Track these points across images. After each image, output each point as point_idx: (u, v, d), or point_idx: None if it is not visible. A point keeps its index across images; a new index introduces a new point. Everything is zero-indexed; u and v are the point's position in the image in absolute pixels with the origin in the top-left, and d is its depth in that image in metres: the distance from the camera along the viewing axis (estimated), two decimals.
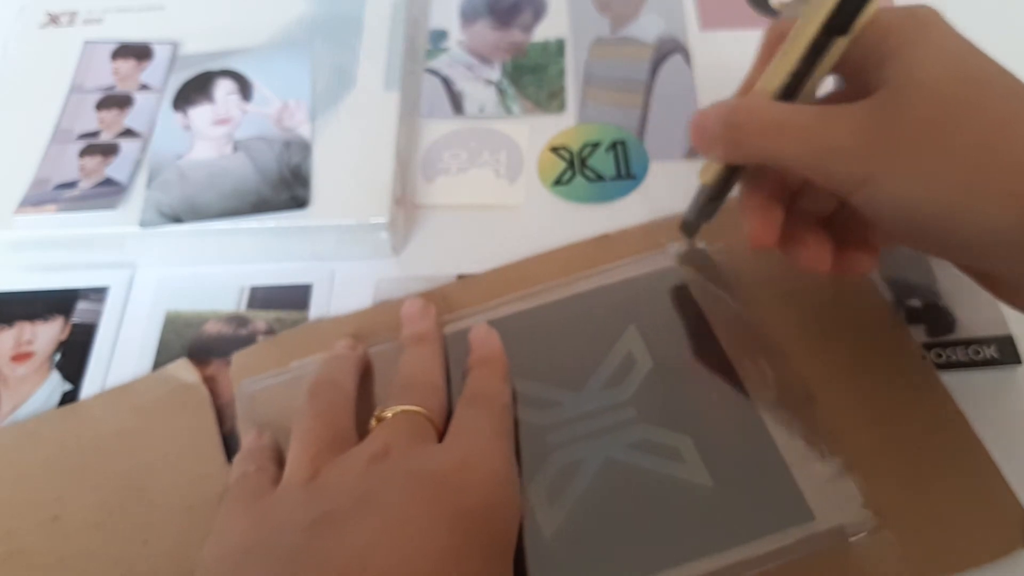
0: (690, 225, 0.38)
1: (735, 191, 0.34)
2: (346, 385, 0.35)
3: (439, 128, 0.47)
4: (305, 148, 0.43)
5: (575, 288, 0.39)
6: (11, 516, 0.35)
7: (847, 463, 0.33)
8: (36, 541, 0.34)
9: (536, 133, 0.47)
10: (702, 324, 0.37)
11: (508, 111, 0.47)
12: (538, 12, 0.52)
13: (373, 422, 0.33)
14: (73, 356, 0.40)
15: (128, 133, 0.45)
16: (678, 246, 0.40)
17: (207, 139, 0.44)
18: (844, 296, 0.38)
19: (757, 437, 0.33)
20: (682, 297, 0.38)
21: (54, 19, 0.51)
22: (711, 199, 0.35)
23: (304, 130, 0.44)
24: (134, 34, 0.49)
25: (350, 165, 0.43)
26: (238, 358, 0.39)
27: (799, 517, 0.31)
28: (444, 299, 0.40)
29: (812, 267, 0.33)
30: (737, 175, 0.33)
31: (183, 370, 0.39)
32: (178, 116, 0.46)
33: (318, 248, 0.42)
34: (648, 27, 0.50)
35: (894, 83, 0.28)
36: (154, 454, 0.36)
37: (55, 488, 0.36)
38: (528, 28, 0.51)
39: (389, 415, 0.32)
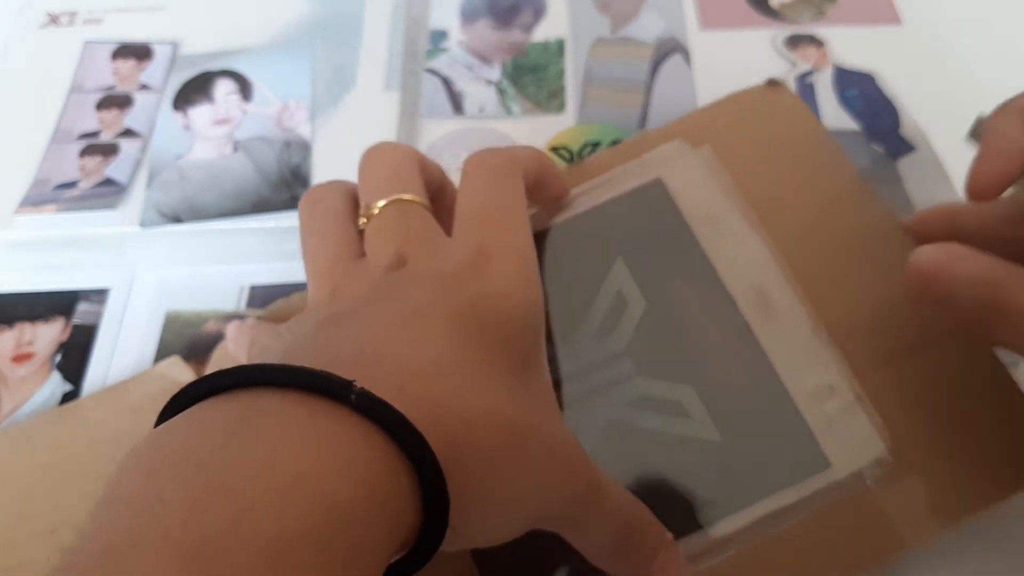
0: None
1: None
2: (331, 198, 0.30)
3: (439, 128, 0.47)
4: (305, 148, 0.43)
5: (552, 219, 0.34)
6: (9, 527, 0.35)
7: (862, 400, 0.30)
8: (36, 554, 0.34)
9: (536, 133, 0.47)
10: (694, 249, 0.33)
11: (508, 111, 0.47)
12: (538, 12, 0.52)
13: (363, 221, 0.29)
14: (74, 357, 0.40)
15: (128, 133, 0.45)
16: (672, 147, 0.35)
17: (207, 139, 0.44)
18: (847, 207, 0.34)
19: (763, 378, 0.30)
20: (669, 217, 0.34)
21: (54, 19, 0.51)
22: None
23: (304, 130, 0.44)
24: (134, 34, 0.49)
25: (350, 165, 0.43)
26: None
27: (815, 466, 0.29)
28: None
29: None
30: None
31: (176, 368, 0.39)
32: (178, 116, 0.46)
33: None
34: (648, 27, 0.50)
35: None
36: None
37: (51, 498, 0.35)
38: (528, 28, 0.51)
39: (377, 209, 0.28)
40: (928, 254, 0.26)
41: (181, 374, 0.39)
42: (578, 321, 0.32)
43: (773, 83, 0.36)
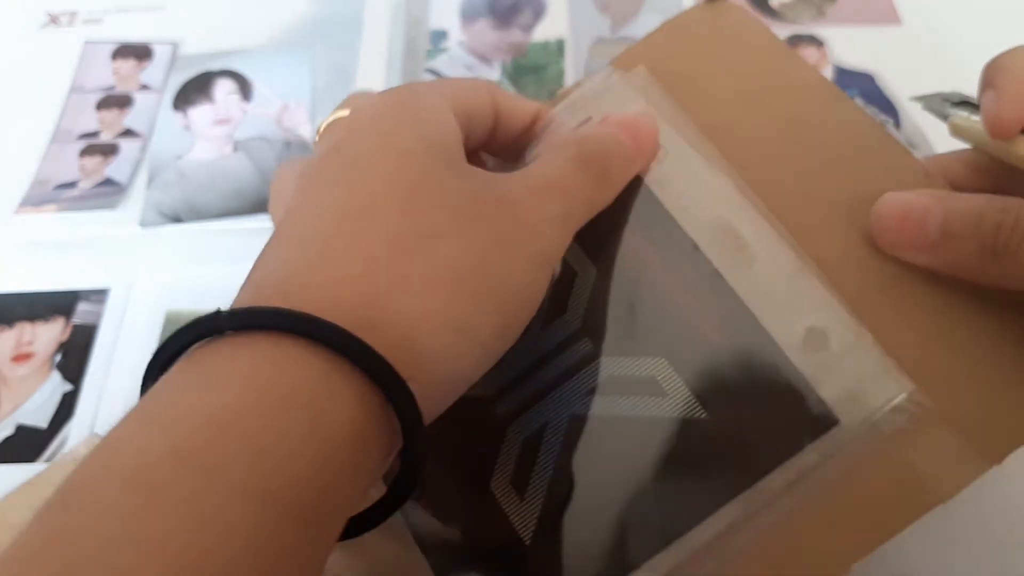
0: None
1: None
2: None
3: None
4: (305, 148, 0.43)
5: None
6: None
7: (863, 339, 0.24)
8: None
9: None
10: (641, 192, 0.28)
11: None
12: (538, 12, 0.52)
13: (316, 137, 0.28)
14: (74, 357, 0.40)
15: (128, 133, 0.45)
16: (600, 78, 0.31)
17: (207, 139, 0.44)
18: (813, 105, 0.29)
19: (745, 333, 0.25)
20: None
21: (54, 19, 0.51)
22: None
23: (304, 130, 0.44)
24: (134, 34, 0.49)
25: None
26: None
27: (821, 425, 0.24)
28: None
29: None
30: None
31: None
32: (178, 116, 0.46)
33: None
34: (648, 27, 0.50)
35: None
36: None
37: None
38: (528, 28, 0.51)
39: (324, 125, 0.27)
40: (904, 196, 0.25)
41: None
42: None
43: None
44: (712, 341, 0.26)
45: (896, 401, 0.24)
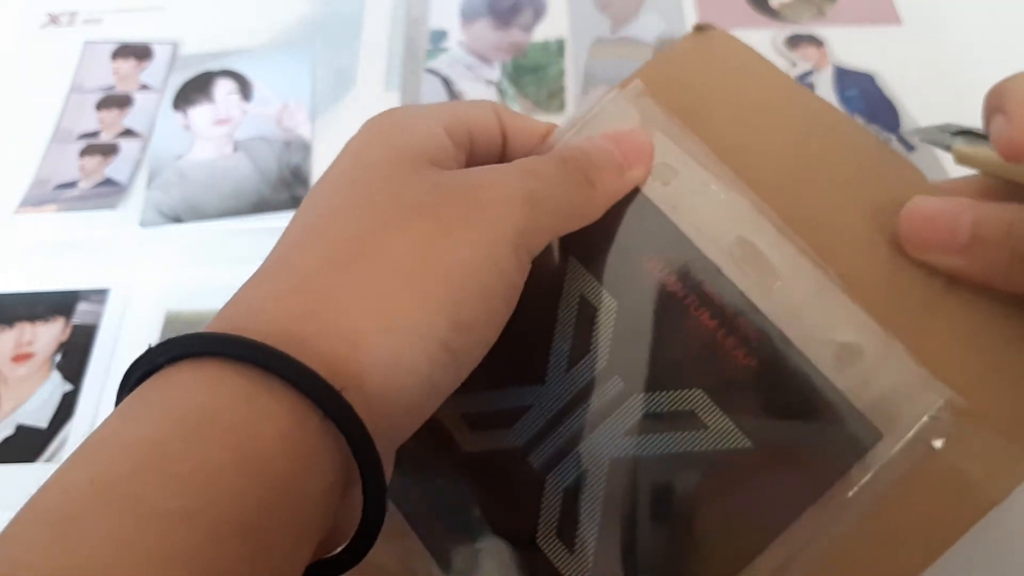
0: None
1: None
2: None
3: None
4: (305, 148, 0.43)
5: None
6: None
7: (896, 350, 0.24)
8: None
9: None
10: (654, 216, 0.27)
11: None
12: (538, 12, 0.52)
13: None
14: (74, 357, 0.40)
15: (128, 133, 0.45)
16: (596, 98, 0.30)
17: (207, 139, 0.44)
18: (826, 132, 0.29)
19: (778, 354, 0.25)
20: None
21: (54, 19, 0.51)
22: None
23: (304, 130, 0.44)
24: (134, 34, 0.49)
25: None
26: None
27: (865, 440, 0.23)
28: None
29: None
30: None
31: None
32: (178, 116, 0.46)
33: None
34: (648, 27, 0.50)
35: None
36: None
37: None
38: (528, 28, 0.51)
39: None
40: (935, 200, 0.24)
41: None
42: (543, 352, 0.27)
43: (701, 27, 0.31)
44: (746, 366, 0.25)
45: (934, 409, 0.23)
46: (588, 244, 0.27)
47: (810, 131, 0.29)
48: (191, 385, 0.19)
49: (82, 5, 0.51)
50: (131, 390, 0.20)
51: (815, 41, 0.48)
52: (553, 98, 0.48)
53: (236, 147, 0.44)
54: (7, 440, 0.38)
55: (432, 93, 0.48)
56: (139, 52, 0.49)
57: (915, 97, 0.45)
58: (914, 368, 0.24)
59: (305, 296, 0.21)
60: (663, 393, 0.25)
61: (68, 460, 0.19)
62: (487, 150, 0.28)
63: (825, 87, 0.46)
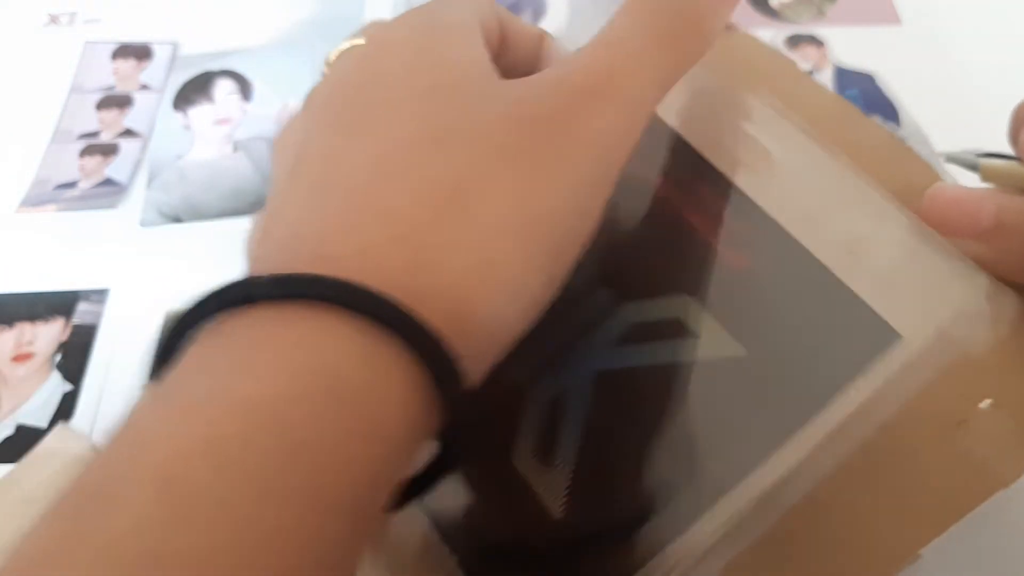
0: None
1: None
2: None
3: None
4: None
5: None
6: None
7: (927, 236, 0.21)
8: None
9: None
10: (665, 132, 0.25)
11: None
12: (538, 12, 0.52)
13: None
14: (74, 357, 0.40)
15: (128, 133, 0.45)
16: None
17: (207, 139, 0.44)
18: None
19: (775, 251, 0.22)
20: None
21: (54, 19, 0.51)
22: None
23: None
24: (134, 34, 0.49)
25: None
26: None
27: (879, 342, 0.20)
28: None
29: None
30: None
31: (66, 438, 0.35)
32: (178, 116, 0.46)
33: None
34: None
35: None
36: None
37: None
38: None
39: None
40: (958, 186, 0.23)
41: (74, 444, 0.35)
42: None
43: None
44: (737, 267, 0.23)
45: (969, 306, 0.20)
46: None
47: (833, 126, 0.26)
48: (309, 338, 0.17)
49: (82, 5, 0.51)
50: (207, 318, 0.18)
51: (815, 41, 0.48)
52: None
53: (236, 147, 0.44)
54: (7, 440, 0.38)
55: None
56: (139, 52, 0.49)
57: (915, 97, 0.45)
58: (949, 257, 0.20)
59: (414, 246, 0.19)
60: (649, 302, 0.24)
61: (160, 409, 0.17)
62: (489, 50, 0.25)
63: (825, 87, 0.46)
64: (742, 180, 0.23)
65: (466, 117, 0.20)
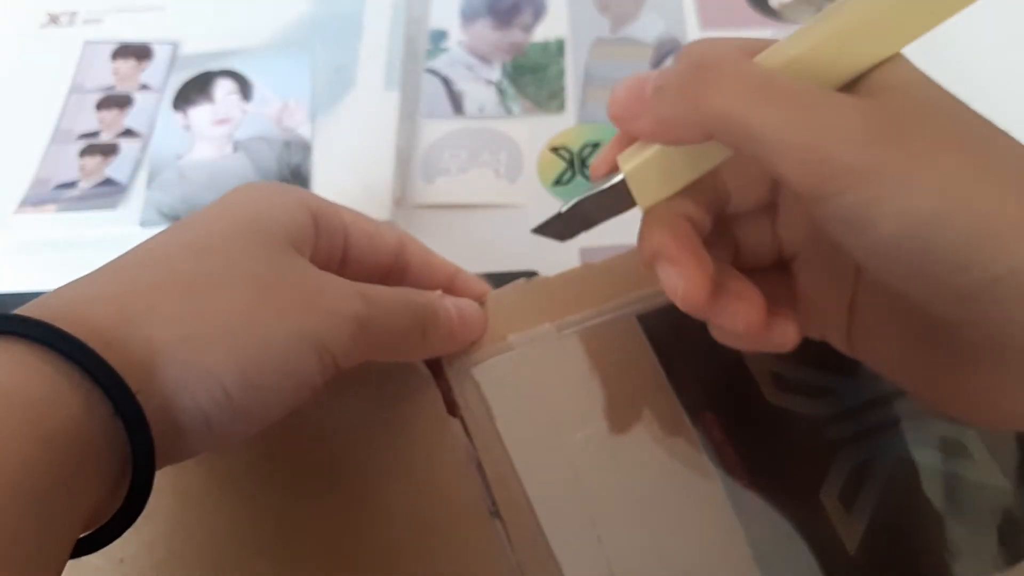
0: (562, 226, 0.29)
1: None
2: None
3: (439, 128, 0.47)
4: (305, 148, 0.43)
5: None
6: None
7: None
8: None
9: (536, 133, 0.47)
10: None
11: (508, 111, 0.47)
12: (538, 12, 0.52)
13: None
14: None
15: (128, 133, 0.45)
16: None
17: (207, 139, 0.44)
18: None
19: None
20: None
21: (54, 19, 0.51)
22: (615, 203, 0.26)
23: (304, 130, 0.44)
24: (134, 34, 0.49)
25: (350, 165, 0.43)
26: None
27: None
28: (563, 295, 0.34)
29: (748, 327, 0.25)
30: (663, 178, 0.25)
31: None
32: (178, 116, 0.46)
33: None
34: (648, 27, 0.50)
35: (880, 83, 0.24)
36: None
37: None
38: (528, 28, 0.51)
39: None
40: (622, 81, 0.25)
41: None
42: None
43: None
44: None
45: None
46: None
47: None
48: (4, 360, 0.21)
49: (82, 5, 0.51)
50: None
51: None
52: (553, 98, 0.48)
53: (236, 147, 0.44)
54: None
55: (432, 93, 0.48)
56: (139, 52, 0.49)
57: None
58: None
59: (123, 306, 0.23)
60: (946, 423, 0.30)
61: None
62: (373, 263, 0.30)
63: None
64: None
65: (236, 246, 0.25)
